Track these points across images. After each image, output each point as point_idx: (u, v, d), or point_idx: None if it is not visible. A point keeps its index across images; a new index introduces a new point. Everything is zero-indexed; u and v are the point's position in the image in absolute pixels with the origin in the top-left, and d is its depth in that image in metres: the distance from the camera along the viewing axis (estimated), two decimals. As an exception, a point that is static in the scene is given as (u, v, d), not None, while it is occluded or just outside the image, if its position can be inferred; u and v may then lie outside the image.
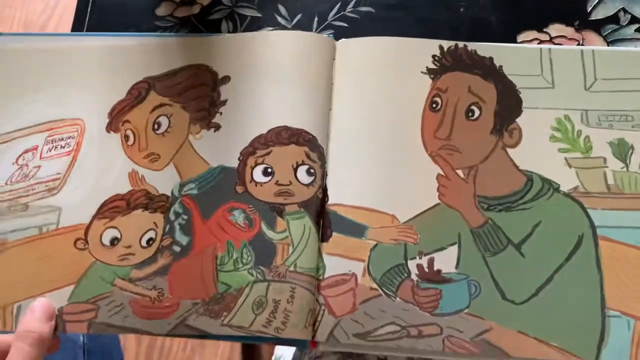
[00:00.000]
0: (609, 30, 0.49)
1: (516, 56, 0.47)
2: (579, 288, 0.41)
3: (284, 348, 0.75)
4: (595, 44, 0.48)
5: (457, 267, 0.42)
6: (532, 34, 0.49)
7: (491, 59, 0.47)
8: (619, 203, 0.43)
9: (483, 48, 0.47)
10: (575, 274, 0.41)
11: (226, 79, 0.48)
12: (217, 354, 1.10)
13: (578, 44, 0.48)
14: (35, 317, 0.41)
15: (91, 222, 0.45)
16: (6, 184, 0.47)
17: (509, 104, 0.45)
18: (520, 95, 0.46)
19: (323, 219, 0.44)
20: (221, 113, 0.47)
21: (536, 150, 0.44)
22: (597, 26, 0.49)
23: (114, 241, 0.45)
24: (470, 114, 0.45)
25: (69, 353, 0.65)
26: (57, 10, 1.38)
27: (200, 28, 0.52)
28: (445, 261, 0.42)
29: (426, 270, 0.42)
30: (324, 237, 0.44)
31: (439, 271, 0.42)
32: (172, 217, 0.45)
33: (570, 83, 0.46)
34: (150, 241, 0.44)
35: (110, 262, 0.44)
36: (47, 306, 0.42)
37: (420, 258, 0.43)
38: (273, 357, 0.75)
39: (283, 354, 0.73)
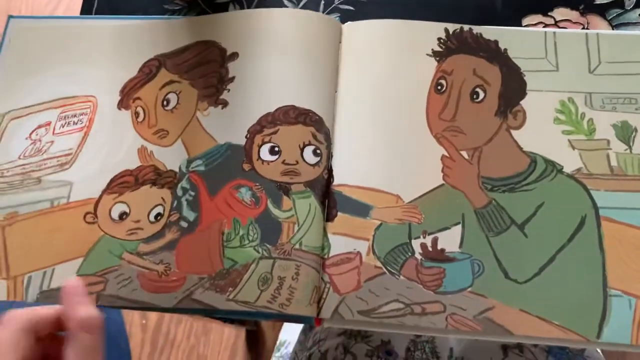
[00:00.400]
0: (614, 14, 0.49)
1: (521, 39, 0.47)
2: (581, 268, 0.42)
3: (288, 334, 0.75)
4: (599, 27, 0.49)
5: (460, 246, 0.43)
6: (537, 18, 0.49)
7: (496, 42, 0.47)
8: (621, 185, 0.43)
9: (488, 31, 0.47)
10: (578, 254, 0.42)
11: (234, 55, 0.48)
12: (221, 342, 1.11)
13: (583, 28, 0.49)
14: (84, 301, 0.36)
15: (101, 196, 0.46)
16: (19, 158, 0.48)
17: (513, 87, 0.46)
18: (525, 78, 0.46)
19: (328, 199, 0.44)
20: (229, 90, 0.47)
21: (540, 132, 0.45)
22: (602, 10, 0.49)
23: (123, 216, 0.45)
24: (475, 96, 0.46)
25: None
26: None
27: (208, 11, 0.52)
28: (449, 241, 0.43)
29: (430, 249, 0.43)
30: (329, 216, 0.44)
31: (442, 250, 0.43)
32: (179, 192, 0.45)
33: (575, 66, 0.46)
34: (158, 216, 0.45)
35: (119, 236, 0.45)
36: (84, 287, 0.37)
37: (424, 237, 0.43)
38: (277, 343, 0.76)
39: (287, 339, 0.74)
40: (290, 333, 0.75)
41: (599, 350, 0.61)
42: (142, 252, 0.44)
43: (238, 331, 1.10)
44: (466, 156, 0.45)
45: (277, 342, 0.76)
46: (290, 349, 0.71)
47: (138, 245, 0.44)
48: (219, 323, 1.09)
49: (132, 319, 1.12)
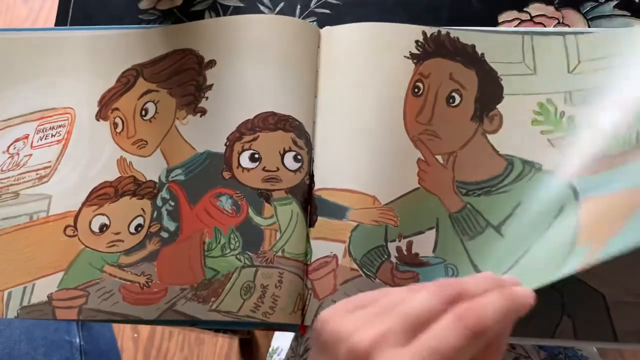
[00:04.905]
0: (588, 8, 0.49)
1: (498, 43, 0.47)
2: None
3: (281, 340, 0.75)
4: (575, 21, 0.48)
5: (434, 251, 0.43)
6: (513, 14, 0.49)
7: (473, 46, 0.47)
8: (602, 164, 0.41)
9: (466, 35, 0.47)
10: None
11: (212, 62, 0.48)
12: (215, 352, 1.10)
13: (558, 22, 0.48)
14: None
15: (80, 209, 0.46)
16: (-3, 172, 0.48)
17: (489, 91, 0.46)
18: (502, 82, 0.46)
19: (310, 204, 0.44)
20: (207, 98, 0.47)
21: (518, 135, 0.44)
22: (576, 4, 0.49)
23: (103, 228, 0.45)
24: (451, 101, 0.46)
25: (66, 355, 0.65)
26: (42, 13, 1.37)
27: (183, 20, 0.52)
28: (423, 245, 0.43)
29: (405, 253, 0.43)
30: (311, 222, 0.44)
31: (416, 254, 0.43)
32: (159, 203, 0.45)
33: (553, 68, 0.46)
34: (138, 227, 0.45)
35: (99, 249, 0.44)
36: None
37: (399, 241, 0.43)
38: (270, 350, 0.76)
39: (280, 346, 0.73)
40: (282, 340, 0.75)
41: (594, 348, 0.61)
42: (123, 264, 0.44)
43: (231, 340, 1.10)
44: (441, 160, 0.44)
45: (270, 349, 0.76)
46: (283, 355, 0.71)
47: (119, 258, 0.44)
48: (211, 333, 1.08)
49: (124, 333, 1.11)
